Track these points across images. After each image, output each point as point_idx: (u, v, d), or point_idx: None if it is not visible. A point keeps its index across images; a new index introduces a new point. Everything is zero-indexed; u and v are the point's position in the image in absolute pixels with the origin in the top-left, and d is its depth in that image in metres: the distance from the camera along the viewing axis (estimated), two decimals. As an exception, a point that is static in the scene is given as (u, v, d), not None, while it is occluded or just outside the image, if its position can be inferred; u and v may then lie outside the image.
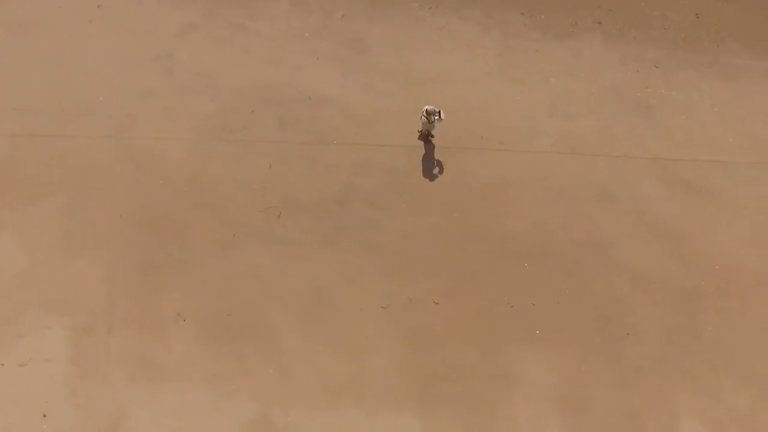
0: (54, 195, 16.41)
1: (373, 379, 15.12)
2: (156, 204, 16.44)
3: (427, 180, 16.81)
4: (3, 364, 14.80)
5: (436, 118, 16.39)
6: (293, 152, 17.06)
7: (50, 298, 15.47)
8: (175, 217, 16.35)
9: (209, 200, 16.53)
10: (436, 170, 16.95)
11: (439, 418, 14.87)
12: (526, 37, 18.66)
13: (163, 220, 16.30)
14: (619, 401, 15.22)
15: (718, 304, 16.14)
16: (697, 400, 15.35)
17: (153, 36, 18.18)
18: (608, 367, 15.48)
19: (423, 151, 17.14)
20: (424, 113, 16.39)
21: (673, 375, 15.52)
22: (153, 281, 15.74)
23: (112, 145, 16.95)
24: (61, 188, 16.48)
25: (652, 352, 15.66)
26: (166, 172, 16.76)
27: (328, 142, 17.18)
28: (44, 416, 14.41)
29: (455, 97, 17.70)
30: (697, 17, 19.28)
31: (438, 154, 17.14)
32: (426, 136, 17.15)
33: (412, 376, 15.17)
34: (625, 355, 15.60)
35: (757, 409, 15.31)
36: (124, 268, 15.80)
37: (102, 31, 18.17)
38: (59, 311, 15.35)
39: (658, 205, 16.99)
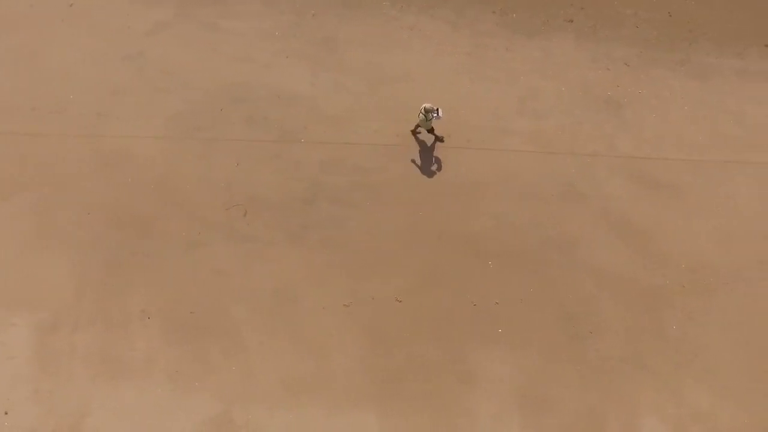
0: (22, 192, 16.53)
1: (334, 378, 15.17)
2: (123, 202, 16.53)
3: (393, 178, 16.84)
4: (-34, 361, 15.00)
5: (434, 115, 16.39)
6: (261, 150, 17.12)
7: (16, 295, 15.60)
8: (142, 214, 16.45)
9: (176, 198, 16.62)
10: (434, 167, 16.95)
11: (399, 417, 14.91)
12: (496, 36, 18.64)
13: (130, 217, 16.40)
14: (581, 400, 15.22)
15: (683, 302, 16.12)
16: (659, 399, 15.35)
17: (125, 34, 18.27)
18: (571, 365, 15.48)
19: (391, 151, 17.16)
20: (422, 111, 16.40)
21: (635, 373, 15.52)
22: (119, 279, 15.84)
23: (81, 143, 17.05)
24: (30, 186, 16.60)
25: (615, 351, 15.65)
26: (135, 170, 16.85)
27: (296, 140, 17.23)
28: (6, 413, 14.54)
29: (424, 96, 17.65)
30: (670, 16, 19.22)
31: (405, 153, 17.16)
32: (416, 132, 17.22)
33: (373, 374, 15.22)
34: (587, 354, 15.59)
35: (718, 407, 15.29)
36: (91, 265, 15.91)
37: (74, 29, 18.28)
38: (25, 308, 15.48)
39: (625, 203, 16.96)
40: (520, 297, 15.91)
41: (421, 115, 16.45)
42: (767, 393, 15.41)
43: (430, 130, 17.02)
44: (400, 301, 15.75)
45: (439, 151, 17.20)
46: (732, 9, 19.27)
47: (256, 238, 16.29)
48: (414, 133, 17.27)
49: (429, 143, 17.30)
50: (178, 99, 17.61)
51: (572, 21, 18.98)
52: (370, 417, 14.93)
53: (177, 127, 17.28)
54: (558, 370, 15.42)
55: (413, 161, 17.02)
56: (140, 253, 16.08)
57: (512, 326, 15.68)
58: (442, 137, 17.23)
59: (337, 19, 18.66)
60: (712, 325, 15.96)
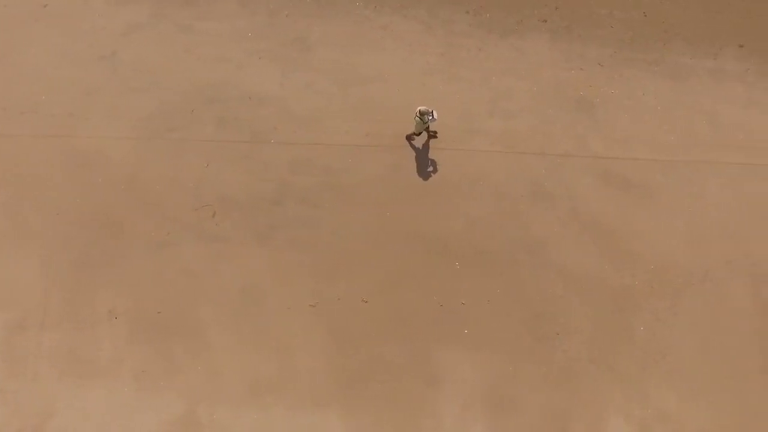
0: (-8, 193, 16.66)
1: (299, 378, 15.22)
2: (93, 202, 16.60)
3: (362, 179, 16.84)
4: (-67, 360, 15.10)
5: (430, 117, 16.35)
6: (231, 151, 17.15)
7: (-15, 294, 15.72)
8: (112, 215, 16.51)
9: (146, 198, 16.67)
10: (430, 168, 16.97)
11: (362, 418, 14.95)
12: (470, 36, 18.59)
13: (99, 218, 16.46)
14: (547, 401, 15.22)
15: (651, 303, 16.08)
16: (625, 400, 15.33)
17: (99, 35, 18.31)
18: (537, 367, 15.47)
19: (360, 151, 17.15)
20: (418, 113, 16.35)
21: (602, 374, 15.50)
22: (87, 278, 15.92)
23: (52, 143, 17.12)
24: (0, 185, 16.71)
25: (581, 352, 15.63)
26: (105, 171, 16.91)
27: (266, 140, 17.25)
28: (-30, 412, 14.67)
29: (394, 96, 17.71)
30: (645, 16, 19.13)
31: (375, 153, 17.16)
32: (412, 136, 17.20)
33: (338, 374, 15.25)
34: (554, 355, 15.58)
35: (684, 409, 15.27)
36: (59, 265, 15.99)
37: (48, 30, 18.33)
38: (-7, 308, 15.62)
39: (595, 204, 16.92)
40: (487, 298, 15.90)
41: (416, 117, 16.41)
42: (733, 394, 15.40)
43: (427, 130, 17.02)
44: (366, 302, 15.77)
45: (409, 151, 17.18)
46: (707, 9, 19.16)
47: (224, 238, 16.33)
48: (409, 139, 17.25)
49: (422, 145, 17.27)
50: (150, 100, 17.65)
51: (546, 21, 18.93)
52: (334, 417, 14.97)
53: (148, 128, 17.33)
54: (524, 371, 15.42)
55: (432, 162, 17.05)
56: (109, 253, 16.15)
57: (478, 327, 15.68)
58: (435, 132, 17.24)
59: (310, 20, 18.65)
60: (679, 326, 15.92)
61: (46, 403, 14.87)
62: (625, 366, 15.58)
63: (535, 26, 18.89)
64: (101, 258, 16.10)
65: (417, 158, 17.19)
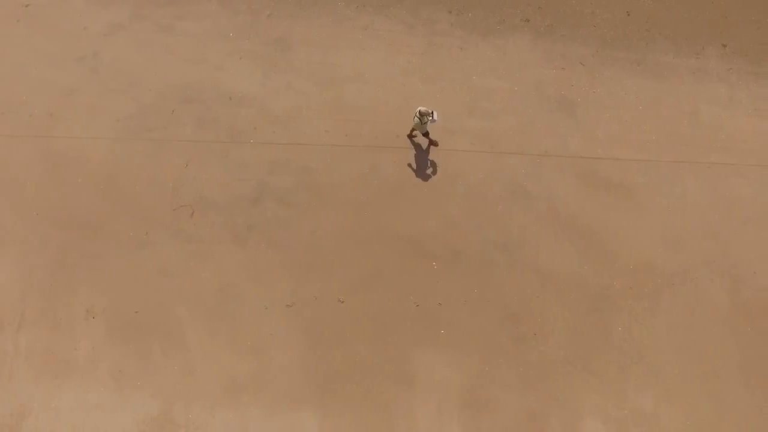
0: (-28, 193, 16.70)
1: (275, 378, 15.21)
2: (72, 202, 16.62)
3: (340, 179, 16.83)
4: None
5: (430, 118, 16.31)
6: (210, 151, 17.16)
7: (-38, 294, 15.76)
8: (91, 215, 16.53)
9: (125, 199, 16.69)
10: (429, 170, 16.93)
11: (338, 418, 14.93)
12: (451, 36, 18.57)
13: (78, 218, 16.49)
14: (522, 402, 15.18)
15: (629, 304, 16.03)
16: (602, 401, 15.28)
17: (80, 36, 18.35)
18: (513, 367, 15.43)
19: (339, 151, 17.15)
20: (417, 114, 16.30)
21: (579, 375, 15.45)
22: (65, 278, 15.93)
23: (31, 143, 17.15)
24: (-21, 186, 16.77)
25: (558, 353, 15.59)
26: (84, 171, 16.93)
27: (245, 141, 17.25)
28: (-55, 412, 14.70)
29: (373, 95, 17.70)
30: (628, 15, 19.07)
31: (354, 153, 17.15)
32: (412, 135, 17.17)
33: (314, 375, 15.24)
34: (531, 356, 15.54)
35: (661, 410, 15.21)
36: (37, 265, 16.01)
37: (29, 30, 18.38)
38: (-30, 308, 15.65)
39: (574, 204, 16.87)
40: (464, 298, 15.87)
41: (416, 118, 16.38)
42: (710, 395, 15.34)
43: (425, 134, 16.95)
44: (343, 302, 15.76)
45: (387, 152, 17.16)
46: (691, 8, 19.10)
47: (201, 238, 16.34)
48: (410, 137, 17.21)
49: (424, 146, 17.24)
50: (130, 100, 17.67)
51: (529, 20, 18.89)
52: (309, 417, 14.96)
53: (128, 128, 17.35)
54: (500, 372, 15.39)
55: (409, 165, 16.96)
56: (87, 254, 16.17)
57: (455, 327, 15.65)
58: (437, 142, 17.14)
59: (292, 20, 18.66)
60: (657, 327, 15.87)
61: (21, 402, 14.89)
62: (603, 366, 15.53)
63: (517, 26, 18.85)
64: (79, 258, 16.12)
65: (417, 158, 17.15)
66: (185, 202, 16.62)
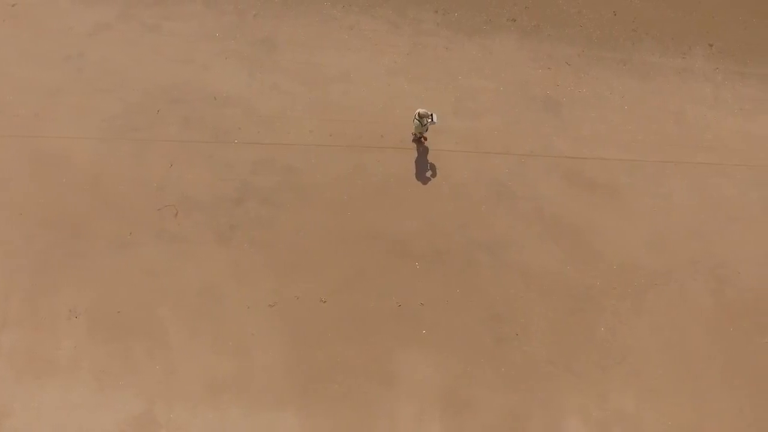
0: (-44, 193, 16.73)
1: (256, 378, 15.22)
2: (57, 202, 16.65)
3: (324, 179, 16.83)
4: None
5: (429, 120, 16.30)
6: (194, 151, 17.17)
7: (-54, 294, 15.80)
8: (75, 215, 16.55)
9: (109, 199, 16.71)
10: (429, 173, 16.93)
11: (320, 417, 14.93)
12: (437, 35, 18.55)
13: (62, 218, 16.51)
14: (504, 402, 15.17)
15: (613, 304, 16.00)
16: (584, 401, 15.26)
17: (66, 35, 18.37)
18: (495, 367, 15.42)
19: (323, 151, 17.15)
20: (416, 116, 16.29)
21: (561, 375, 15.43)
22: (49, 278, 15.96)
23: (17, 143, 17.18)
24: (-36, 186, 16.80)
25: (541, 353, 15.57)
26: (69, 171, 16.96)
27: (229, 141, 17.26)
28: (-73, 412, 14.74)
29: (358, 95, 17.70)
30: (615, 15, 19.04)
31: (338, 153, 17.15)
32: (418, 139, 17.14)
33: (295, 375, 15.24)
34: (513, 356, 15.52)
35: (642, 410, 15.19)
36: (21, 265, 16.04)
37: (15, 30, 18.41)
38: (-46, 308, 15.69)
39: (559, 204, 16.84)
40: (446, 298, 15.86)
41: (415, 120, 16.38)
42: (693, 395, 15.30)
43: (421, 136, 16.98)
44: (325, 302, 15.76)
45: (372, 151, 17.15)
46: (678, 8, 19.05)
47: (185, 238, 16.35)
48: (417, 140, 17.21)
49: (424, 148, 17.28)
50: (116, 100, 17.69)
51: (515, 20, 18.86)
52: (291, 416, 14.97)
53: (113, 128, 17.37)
54: (482, 372, 15.37)
55: (431, 166, 17.02)
56: (71, 253, 16.19)
57: (437, 327, 15.64)
58: (425, 137, 17.16)
59: (278, 20, 18.65)
60: (640, 327, 15.84)
61: (3, 402, 14.92)
62: (585, 367, 15.51)
63: (503, 25, 18.83)
64: (63, 258, 16.15)
65: (418, 161, 17.16)
66: (169, 202, 16.64)
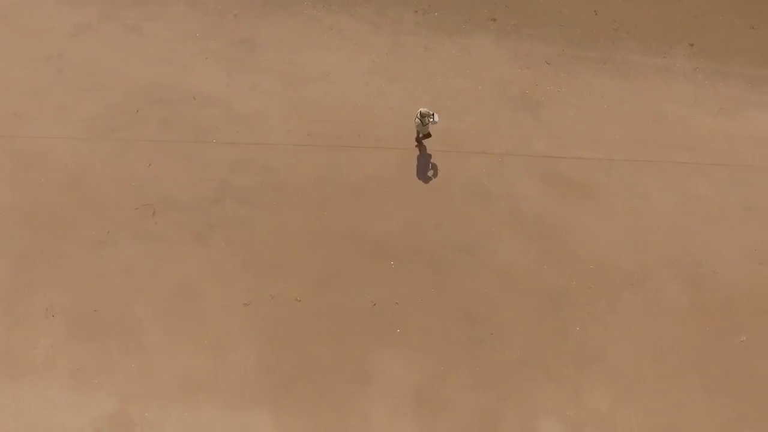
0: (-65, 192, 16.85)
1: (231, 377, 15.29)
2: (36, 201, 16.75)
3: (301, 178, 16.89)
4: None
5: (431, 120, 16.32)
6: (173, 151, 17.25)
7: (-77, 293, 15.91)
8: (54, 214, 16.66)
9: (88, 198, 16.81)
10: (430, 173, 16.97)
11: (293, 416, 14.99)
12: (416, 35, 18.57)
13: (41, 217, 16.62)
14: (478, 401, 15.19)
15: (588, 303, 16.00)
16: (558, 401, 15.26)
17: (47, 36, 18.47)
18: (469, 367, 15.44)
19: (301, 151, 17.20)
20: (418, 116, 16.31)
21: (535, 375, 15.44)
22: (25, 277, 16.08)
23: (-4, 143, 17.33)
24: (-57, 186, 16.92)
25: (515, 352, 15.58)
26: (49, 171, 17.07)
27: (208, 141, 17.33)
28: None
29: (337, 95, 17.75)
30: (596, 14, 19.01)
31: (316, 153, 17.20)
32: (420, 139, 17.17)
33: (270, 373, 15.31)
34: (487, 355, 15.54)
35: (617, 410, 15.18)
36: (-1, 264, 16.19)
37: (-3, 31, 18.55)
38: (-71, 307, 15.80)
39: (535, 203, 16.85)
40: (421, 297, 15.89)
41: (417, 119, 16.40)
42: (667, 395, 15.29)
43: (423, 135, 17.01)
44: (300, 301, 15.82)
45: (349, 151, 17.20)
46: (658, 7, 19.00)
47: (163, 237, 16.44)
48: (418, 141, 17.24)
49: (425, 149, 17.30)
50: (96, 100, 17.78)
51: (495, 19, 18.86)
52: (264, 415, 15.04)
53: (93, 128, 17.47)
54: (456, 371, 15.40)
55: (432, 165, 17.06)
56: (49, 253, 16.30)
57: (411, 327, 15.68)
58: (428, 134, 17.13)
59: (258, 20, 18.71)
60: (616, 327, 15.83)
61: (-21, 401, 15.06)
62: (559, 367, 15.51)
63: (483, 25, 18.84)
64: (41, 257, 16.26)
65: (419, 160, 17.18)
66: (148, 202, 16.72)
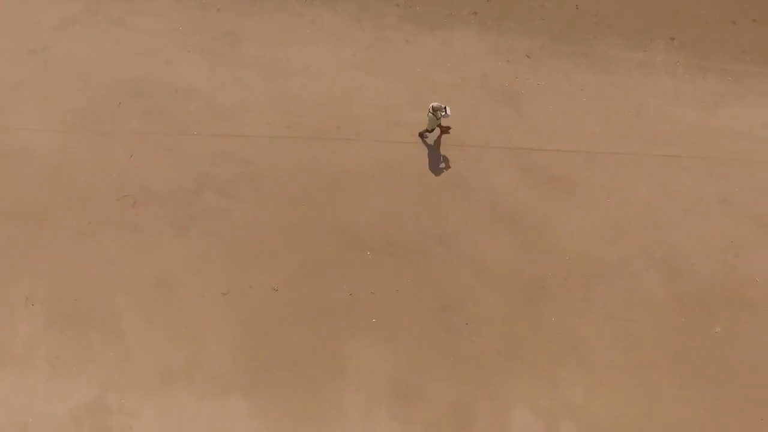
0: None
1: (208, 365, 15.42)
2: (17, 192, 16.90)
3: (280, 170, 17.01)
4: None
5: (443, 114, 16.44)
6: (154, 143, 17.39)
7: None
8: (35, 205, 16.81)
9: (69, 190, 16.96)
10: (442, 165, 17.08)
11: (268, 404, 15.11)
12: (398, 29, 18.67)
13: (22, 207, 16.77)
14: (452, 391, 15.27)
15: (565, 294, 16.07)
16: (532, 392, 15.34)
17: (32, 29, 18.62)
18: (443, 357, 15.53)
19: (281, 143, 17.31)
20: (431, 110, 16.42)
21: (510, 365, 15.52)
22: (6, 267, 16.22)
23: (-21, 136, 17.49)
24: (-75, 177, 17.08)
25: (491, 343, 15.66)
26: (31, 163, 17.22)
27: (189, 133, 17.47)
28: None
29: (318, 89, 17.87)
30: (577, 8, 19.07)
31: (295, 145, 17.31)
32: (425, 133, 17.30)
33: (246, 362, 15.43)
34: (462, 346, 15.63)
35: (591, 401, 15.25)
36: (-21, 254, 16.34)
37: (-19, 24, 18.72)
38: None
39: (513, 195, 16.93)
40: (397, 288, 15.99)
41: (429, 114, 16.51)
42: (642, 386, 15.36)
43: (440, 126, 17.10)
44: (277, 290, 15.93)
45: (327, 143, 17.31)
46: (640, 2, 19.00)
47: (143, 228, 16.57)
48: (422, 136, 17.37)
49: (434, 141, 17.39)
50: (79, 93, 17.92)
51: (477, 13, 18.95)
52: (240, 404, 15.16)
53: (75, 121, 17.61)
54: (431, 361, 15.48)
55: (444, 158, 17.15)
56: (30, 243, 16.45)
57: (387, 317, 15.77)
58: (448, 128, 17.23)
59: (241, 14, 18.81)
60: (592, 318, 15.90)
61: (-43, 389, 15.21)
62: (535, 357, 15.59)
63: (465, 19, 18.93)
64: (22, 247, 16.41)
65: (429, 155, 17.26)
66: (129, 193, 16.85)
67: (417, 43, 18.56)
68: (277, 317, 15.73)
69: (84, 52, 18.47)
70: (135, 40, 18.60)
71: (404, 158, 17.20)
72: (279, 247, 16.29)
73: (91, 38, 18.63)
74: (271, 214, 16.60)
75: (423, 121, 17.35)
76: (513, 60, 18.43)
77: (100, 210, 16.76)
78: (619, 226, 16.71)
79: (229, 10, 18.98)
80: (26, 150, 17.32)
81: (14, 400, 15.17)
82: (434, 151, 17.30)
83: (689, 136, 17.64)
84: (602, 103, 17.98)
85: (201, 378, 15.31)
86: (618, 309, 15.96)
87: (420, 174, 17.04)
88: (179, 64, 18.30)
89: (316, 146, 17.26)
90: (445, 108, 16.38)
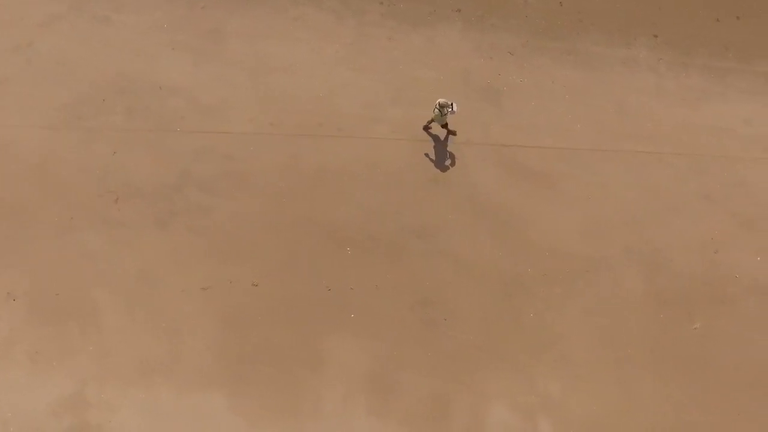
0: None
1: (187, 359, 15.47)
2: (0, 187, 16.98)
3: (262, 166, 17.08)
4: None
5: (449, 110, 16.55)
6: (138, 140, 17.48)
7: None
8: (18, 200, 16.88)
9: (52, 186, 17.03)
10: (448, 161, 17.15)
11: (247, 399, 15.16)
12: (381, 26, 18.77)
13: (5, 202, 16.84)
14: (429, 386, 15.32)
15: (544, 290, 16.13)
16: (510, 386, 15.38)
17: (16, 26, 18.71)
18: (422, 351, 15.58)
19: (262, 139, 17.40)
20: (437, 106, 16.55)
21: (489, 360, 15.57)
22: (-12, 262, 16.35)
23: (-38, 132, 17.57)
24: None
25: (469, 338, 15.72)
26: (13, 158, 17.29)
27: (172, 129, 17.55)
28: None
29: (300, 86, 17.95)
30: (561, 5, 19.16)
31: (277, 142, 17.40)
32: (429, 125, 17.41)
33: (226, 356, 15.49)
34: (441, 341, 15.69)
35: (569, 396, 15.29)
36: (-40, 250, 16.41)
37: (-34, 21, 18.81)
38: None
39: (494, 191, 16.99)
40: (376, 283, 16.05)
41: (435, 110, 16.60)
42: (620, 381, 15.40)
43: (444, 125, 17.18)
44: (257, 285, 16.00)
45: (309, 140, 17.39)
46: (622, -2, 19.19)
47: (125, 224, 16.65)
48: (426, 128, 17.45)
49: (442, 138, 17.47)
50: (63, 90, 18.01)
51: (460, 10, 19.03)
52: (219, 398, 15.20)
53: (59, 117, 17.69)
54: (409, 356, 15.54)
55: (427, 155, 17.22)
56: (12, 239, 16.50)
57: (365, 312, 15.83)
58: (455, 131, 17.37)
59: (226, 11, 18.92)
60: (570, 313, 15.95)
61: (-63, 384, 15.28)
62: (513, 352, 15.63)
63: (448, 16, 19.01)
64: (4, 242, 16.46)
65: (435, 150, 17.36)
66: (111, 189, 16.93)
67: (400, 40, 18.64)
68: (257, 312, 15.79)
69: (69, 48, 18.56)
70: (120, 37, 18.70)
71: (385, 154, 17.27)
72: (260, 242, 16.37)
73: (76, 35, 18.73)
74: (252, 210, 16.68)
75: (404, 117, 17.43)
76: (496, 57, 18.50)
77: (82, 205, 16.83)
78: (600, 222, 16.77)
79: (213, 7, 19.07)
80: (9, 146, 17.40)
81: (-6, 395, 15.28)
82: (441, 146, 17.34)
83: (671, 133, 17.71)
84: (584, 100, 18.05)
85: (181, 372, 15.36)
86: (597, 305, 16.01)
87: (401, 170, 17.11)
88: (163, 61, 18.39)
89: (297, 143, 17.34)
90: (451, 104, 16.46)
